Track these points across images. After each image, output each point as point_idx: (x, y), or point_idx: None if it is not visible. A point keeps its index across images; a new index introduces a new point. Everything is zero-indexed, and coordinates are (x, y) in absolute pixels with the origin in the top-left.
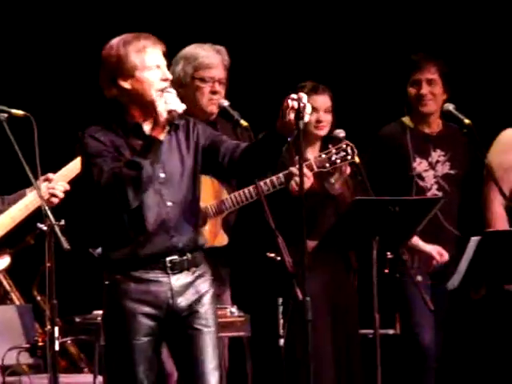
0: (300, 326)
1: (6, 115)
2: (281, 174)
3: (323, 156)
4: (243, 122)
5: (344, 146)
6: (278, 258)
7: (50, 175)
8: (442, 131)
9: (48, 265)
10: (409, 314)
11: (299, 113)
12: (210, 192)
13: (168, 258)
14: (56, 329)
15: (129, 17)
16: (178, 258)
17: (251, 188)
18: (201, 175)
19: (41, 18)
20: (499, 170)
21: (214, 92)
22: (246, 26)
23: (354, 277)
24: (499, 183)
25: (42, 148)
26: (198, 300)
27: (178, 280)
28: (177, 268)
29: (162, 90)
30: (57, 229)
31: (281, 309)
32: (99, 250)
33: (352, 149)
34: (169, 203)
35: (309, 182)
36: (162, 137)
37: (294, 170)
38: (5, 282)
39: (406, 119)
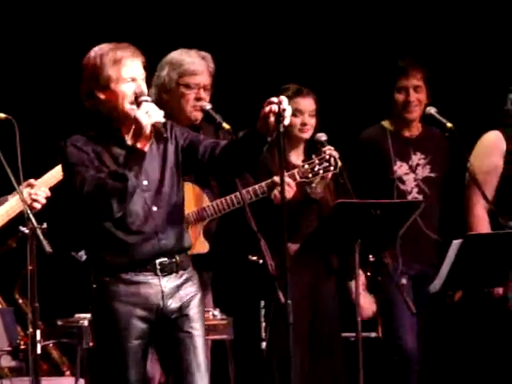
0: (282, 329)
1: None
2: (263, 183)
3: (306, 167)
4: (225, 125)
5: (327, 156)
6: (260, 261)
7: (32, 181)
8: (421, 134)
9: (30, 268)
10: (391, 317)
11: (279, 116)
12: (190, 198)
13: (157, 260)
14: (38, 332)
15: (115, 22)
16: (167, 259)
17: (233, 196)
18: (182, 178)
19: (24, 22)
20: (481, 174)
21: (198, 99)
22: (230, 28)
23: (335, 280)
24: (482, 187)
25: (24, 152)
26: (187, 303)
27: (168, 282)
28: (166, 270)
29: (138, 103)
30: (39, 232)
31: (263, 312)
32: (82, 252)
33: (335, 160)
34: (154, 208)
35: (291, 191)
36: (146, 148)
37: (277, 179)
38: None
39: (386, 123)
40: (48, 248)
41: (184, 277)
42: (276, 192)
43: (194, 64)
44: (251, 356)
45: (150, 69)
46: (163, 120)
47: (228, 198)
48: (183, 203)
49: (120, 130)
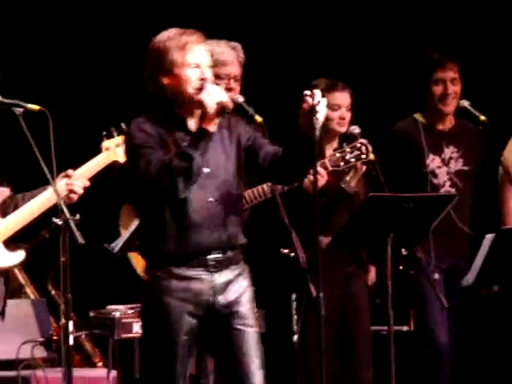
0: (313, 322)
1: (21, 110)
2: None
3: (337, 155)
4: (258, 118)
5: (358, 144)
6: (292, 254)
7: (70, 171)
8: (454, 127)
9: (63, 259)
10: (423, 311)
11: (314, 109)
12: None
13: (210, 256)
14: (70, 323)
15: (149, 13)
16: (219, 255)
17: (265, 186)
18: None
19: (60, 13)
20: None
21: (229, 89)
22: (261, 22)
23: (367, 274)
24: None
25: (58, 144)
26: (238, 299)
27: (220, 278)
28: (218, 266)
29: (201, 88)
30: (72, 223)
31: (294, 305)
32: (114, 244)
33: (366, 147)
34: (211, 199)
35: (323, 180)
36: (212, 129)
37: None
38: (20, 277)
39: (418, 116)
40: (81, 239)
41: (235, 272)
42: (307, 181)
43: (224, 54)
44: (283, 349)
45: None
46: (227, 100)
47: (260, 187)
48: (242, 198)
49: (183, 114)
